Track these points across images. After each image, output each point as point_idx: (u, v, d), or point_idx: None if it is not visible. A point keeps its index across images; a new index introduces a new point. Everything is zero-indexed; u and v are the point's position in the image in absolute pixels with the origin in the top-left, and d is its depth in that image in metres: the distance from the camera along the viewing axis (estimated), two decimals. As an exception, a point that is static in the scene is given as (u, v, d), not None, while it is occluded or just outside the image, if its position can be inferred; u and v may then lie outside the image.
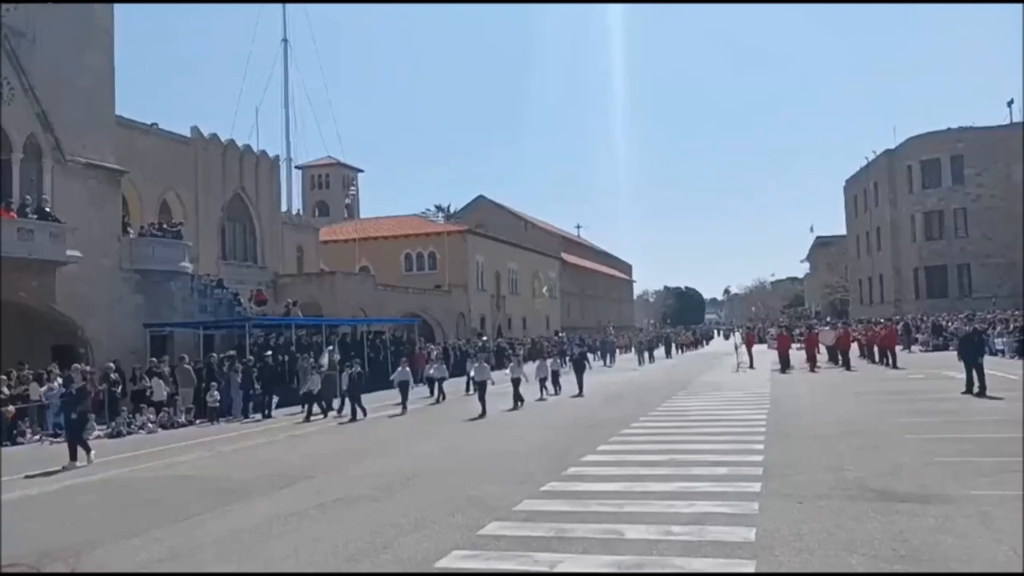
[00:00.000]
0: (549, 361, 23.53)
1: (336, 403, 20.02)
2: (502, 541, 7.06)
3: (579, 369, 23.60)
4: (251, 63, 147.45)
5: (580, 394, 21.81)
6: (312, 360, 23.04)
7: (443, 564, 6.46)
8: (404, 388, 20.23)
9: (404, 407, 19.73)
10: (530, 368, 23.19)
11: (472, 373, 21.06)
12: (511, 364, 21.84)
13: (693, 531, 7.03)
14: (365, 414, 18.46)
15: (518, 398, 19.38)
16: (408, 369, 21.61)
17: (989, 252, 49.68)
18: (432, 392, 23.11)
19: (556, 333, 54.58)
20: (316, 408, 19.58)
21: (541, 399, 21.01)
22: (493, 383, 19.42)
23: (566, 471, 10.41)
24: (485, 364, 20.50)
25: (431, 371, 23.57)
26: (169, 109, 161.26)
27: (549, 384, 22.31)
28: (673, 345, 52.30)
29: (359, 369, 19.68)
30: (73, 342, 21.28)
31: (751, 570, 5.89)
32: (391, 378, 21.68)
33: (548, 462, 11.14)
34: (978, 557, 5.93)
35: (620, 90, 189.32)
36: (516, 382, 19.72)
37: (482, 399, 18.55)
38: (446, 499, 8.99)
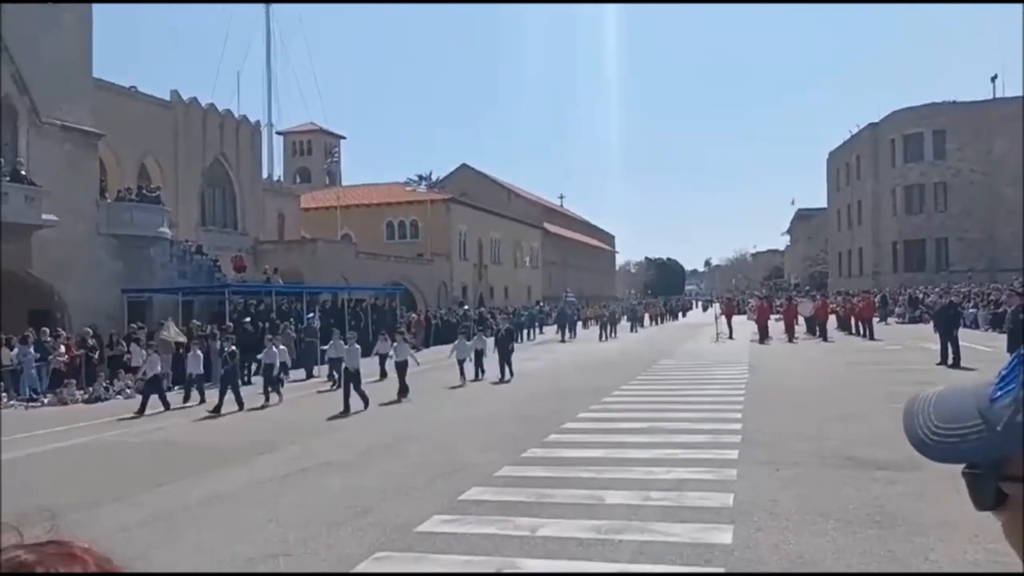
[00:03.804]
0: (473, 339, 19.66)
1: (317, 370, 19.91)
2: (483, 506, 7.11)
3: (504, 349, 19.19)
4: (232, 26, 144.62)
5: (504, 379, 18.35)
6: (293, 328, 22.96)
7: (424, 528, 6.50)
8: (383, 361, 19.32)
9: (384, 373, 19.08)
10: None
11: (391, 354, 17.95)
12: (474, 337, 19.73)
13: (672, 497, 7.12)
14: (240, 406, 14.98)
15: (479, 367, 18.66)
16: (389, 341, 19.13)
17: (967, 227, 50.18)
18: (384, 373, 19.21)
19: (538, 303, 54.66)
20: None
21: (460, 385, 17.71)
22: (419, 364, 17.25)
23: (547, 438, 10.48)
24: (405, 343, 17.40)
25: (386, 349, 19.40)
26: (148, 72, 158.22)
27: (470, 367, 18.70)
28: (646, 317, 48.53)
29: (233, 348, 16.03)
30: (50, 307, 21.03)
31: (729, 534, 5.98)
32: (375, 351, 19.89)
33: (530, 429, 11.21)
34: (952, 522, 6.05)
35: (606, 62, 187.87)
36: (479, 353, 18.87)
37: (401, 381, 15.90)
38: (426, 465, 9.03)
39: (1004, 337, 15.69)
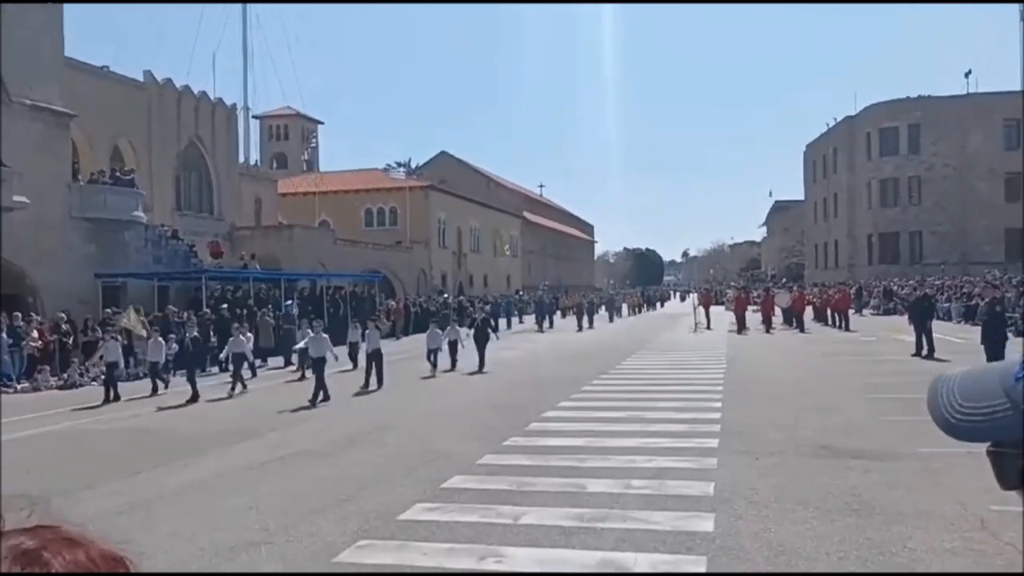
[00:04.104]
0: (447, 329, 19.17)
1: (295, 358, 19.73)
2: (465, 494, 7.11)
3: (480, 339, 18.77)
4: (208, 8, 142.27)
5: (481, 369, 17.88)
6: (270, 315, 22.76)
7: (407, 516, 6.48)
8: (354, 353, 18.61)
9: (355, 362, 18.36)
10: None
11: (356, 340, 17.43)
12: (448, 327, 19.23)
13: (653, 485, 7.15)
14: (195, 396, 14.38)
15: (453, 360, 18.18)
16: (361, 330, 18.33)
17: (940, 220, 50.90)
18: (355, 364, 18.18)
19: (517, 292, 54.68)
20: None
21: (431, 375, 17.25)
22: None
23: (528, 426, 10.49)
24: (376, 331, 16.48)
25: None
26: (121, 52, 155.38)
27: (443, 357, 18.20)
28: (624, 307, 48.81)
29: (196, 334, 15.57)
30: (21, 291, 20.65)
31: (710, 522, 6.02)
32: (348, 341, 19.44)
33: (510, 418, 11.21)
34: (928, 511, 6.14)
35: (591, 53, 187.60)
36: (453, 344, 18.40)
37: (377, 371, 15.43)
38: (407, 453, 9.00)
39: (977, 329, 15.91)
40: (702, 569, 5.17)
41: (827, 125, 61.18)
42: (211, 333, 20.72)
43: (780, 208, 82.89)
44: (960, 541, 5.42)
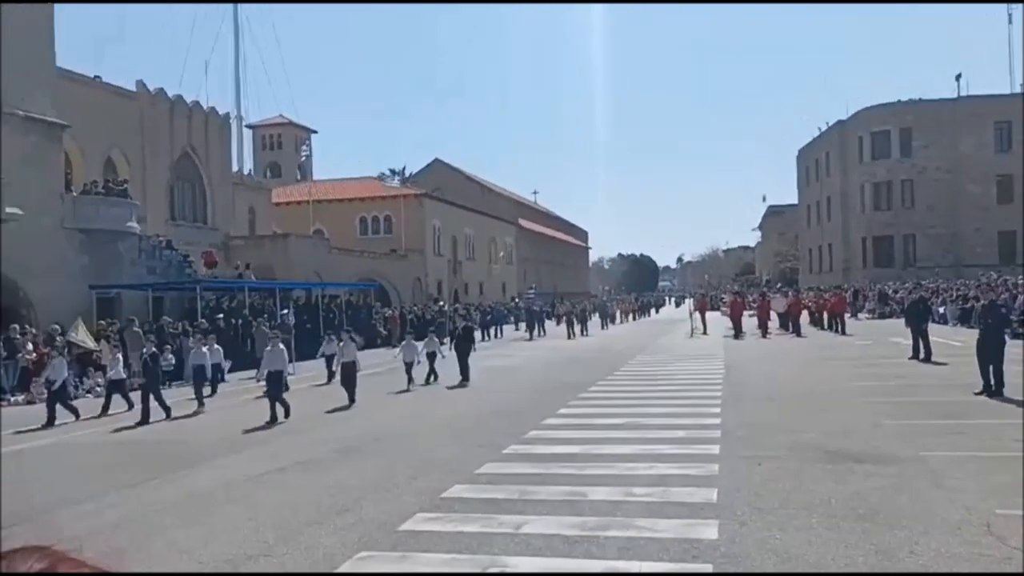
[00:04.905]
0: (425, 340, 18.26)
1: (292, 368, 19.66)
2: (466, 503, 7.04)
3: (462, 349, 17.76)
4: (200, 16, 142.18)
5: (464, 382, 16.94)
6: (266, 325, 22.64)
7: (408, 526, 6.40)
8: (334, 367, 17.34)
9: (331, 375, 17.78)
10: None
11: (333, 353, 16.65)
12: (425, 339, 18.34)
13: (655, 492, 7.09)
14: (168, 414, 13.53)
15: (432, 373, 17.36)
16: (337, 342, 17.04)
17: (933, 223, 51.07)
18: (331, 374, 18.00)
19: (513, 299, 54.62)
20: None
21: (405, 390, 16.22)
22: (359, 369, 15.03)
23: (527, 434, 10.43)
24: (352, 342, 15.52)
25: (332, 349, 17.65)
26: (113, 62, 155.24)
27: (419, 370, 17.21)
28: (618, 314, 47.94)
29: (155, 350, 14.45)
30: (15, 303, 20.51)
31: (715, 529, 5.97)
32: (320, 353, 18.69)
33: (508, 425, 11.15)
34: (933, 516, 6.09)
35: (585, 61, 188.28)
36: (432, 356, 17.51)
37: (348, 386, 14.50)
38: (407, 463, 8.93)
39: (975, 332, 15.85)
40: (708, 577, 5.11)
41: (819, 129, 61.51)
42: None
43: (774, 212, 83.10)
44: (966, 546, 5.38)
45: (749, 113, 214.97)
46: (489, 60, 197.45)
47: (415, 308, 37.63)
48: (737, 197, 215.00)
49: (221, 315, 22.54)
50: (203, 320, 21.03)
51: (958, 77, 53.70)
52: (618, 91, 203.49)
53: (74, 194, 23.02)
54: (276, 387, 12.84)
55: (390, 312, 34.40)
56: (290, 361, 20.30)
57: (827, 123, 59.52)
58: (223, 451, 10.31)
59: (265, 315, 23.94)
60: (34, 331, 18.89)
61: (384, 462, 9.09)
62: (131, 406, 14.34)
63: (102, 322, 20.20)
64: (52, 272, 21.06)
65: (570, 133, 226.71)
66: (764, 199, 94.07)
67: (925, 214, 51.32)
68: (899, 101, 53.08)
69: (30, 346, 18.10)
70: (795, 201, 71.48)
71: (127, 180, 26.58)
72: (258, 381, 14.45)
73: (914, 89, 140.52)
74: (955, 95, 51.85)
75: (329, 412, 13.63)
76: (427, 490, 7.57)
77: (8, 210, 19.51)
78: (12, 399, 16.84)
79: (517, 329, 40.17)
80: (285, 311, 24.52)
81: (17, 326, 18.45)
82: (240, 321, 23.05)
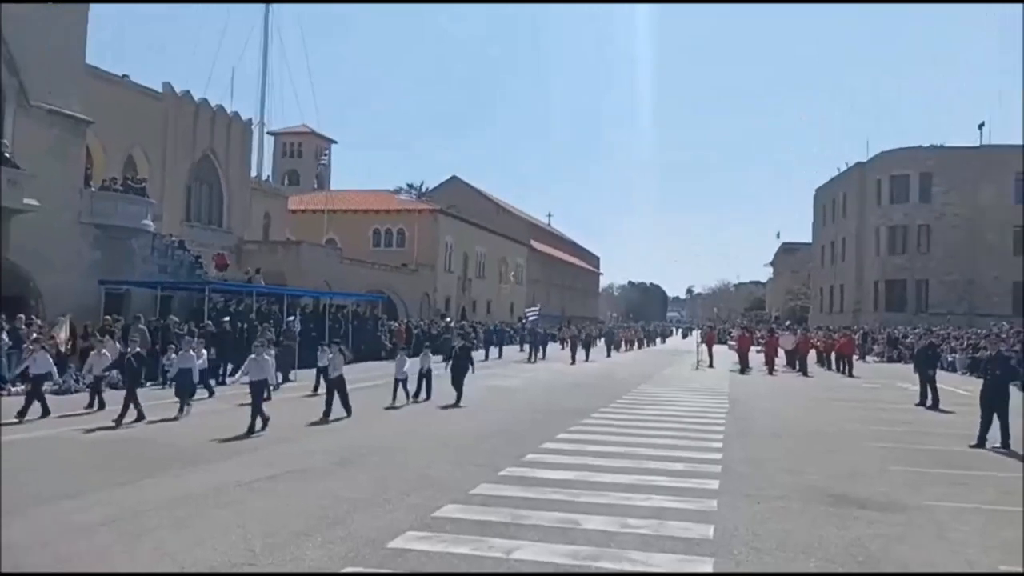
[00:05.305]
0: (420, 355, 17.82)
1: (294, 375, 19.60)
2: (457, 524, 6.92)
3: (458, 369, 17.09)
4: (231, 22, 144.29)
5: (458, 403, 16.37)
6: (272, 331, 22.61)
7: (397, 544, 6.29)
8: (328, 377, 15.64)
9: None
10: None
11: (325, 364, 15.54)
12: (420, 354, 17.91)
13: (651, 525, 6.96)
14: (140, 416, 12.97)
15: (427, 388, 16.94)
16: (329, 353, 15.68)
17: (948, 270, 50.70)
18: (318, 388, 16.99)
19: (520, 319, 54.50)
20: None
21: (391, 406, 15.80)
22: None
23: (524, 457, 10.30)
24: (340, 355, 14.86)
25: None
26: (142, 62, 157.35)
27: (408, 388, 16.62)
28: (623, 342, 47.38)
29: (139, 350, 14.11)
30: (25, 294, 20.58)
31: (709, 567, 5.83)
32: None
33: (506, 447, 11.02)
34: (935, 568, 5.94)
35: (600, 90, 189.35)
36: (427, 373, 17.11)
37: (341, 399, 14.08)
38: (401, 478, 8.83)
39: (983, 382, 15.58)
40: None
41: (838, 169, 61.38)
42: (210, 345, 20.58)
43: (788, 250, 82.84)
44: (968, 601, 5.22)
45: (767, 149, 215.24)
46: (518, 82, 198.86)
47: (422, 323, 37.56)
48: (751, 232, 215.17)
49: (227, 318, 22.49)
50: (209, 322, 21.02)
51: (981, 126, 53.72)
52: (637, 121, 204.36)
53: (93, 189, 23.15)
54: (258, 397, 12.42)
55: (396, 325, 34.34)
56: (292, 368, 20.50)
57: (846, 164, 59.47)
58: (222, 454, 10.22)
59: (271, 320, 23.92)
60: (40, 322, 18.91)
61: (378, 476, 8.98)
62: (102, 405, 14.10)
63: (107, 317, 20.21)
64: (64, 265, 21.14)
65: (588, 158, 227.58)
66: (778, 235, 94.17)
67: (941, 260, 50.96)
68: (920, 146, 52.95)
69: (35, 336, 18.10)
70: (809, 239, 71.20)
71: (146, 179, 26.75)
72: (229, 384, 13.25)
73: (934, 135, 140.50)
74: (977, 143, 51.71)
75: (325, 422, 13.45)
76: (419, 507, 7.47)
77: (26, 201, 19.63)
78: (14, 389, 16.80)
79: (522, 350, 39.93)
80: (291, 318, 24.51)
81: (23, 316, 18.49)
82: (245, 325, 23.01)
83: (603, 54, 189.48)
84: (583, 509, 7.50)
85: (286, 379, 20.04)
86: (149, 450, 10.58)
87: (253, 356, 13.07)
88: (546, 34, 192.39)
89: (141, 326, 19.63)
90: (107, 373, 15.09)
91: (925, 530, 7.04)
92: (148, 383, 17.40)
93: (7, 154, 19.55)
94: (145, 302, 23.16)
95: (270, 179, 51.24)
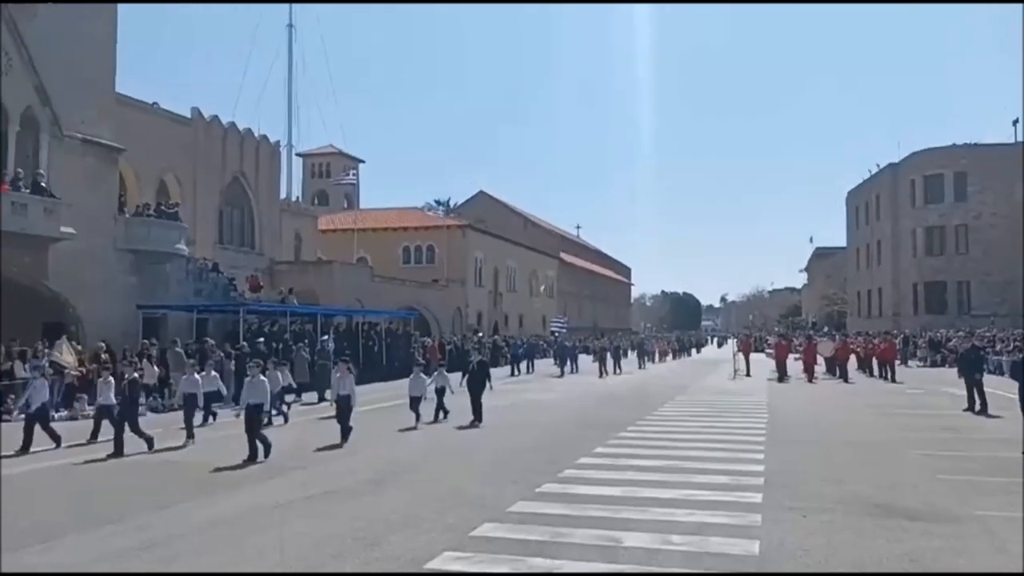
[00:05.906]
0: (434, 375, 17.39)
1: (330, 394, 19.62)
2: (495, 543, 6.79)
3: (475, 386, 16.31)
4: (255, 47, 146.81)
5: (476, 422, 15.57)
6: (307, 350, 22.73)
7: (433, 565, 6.19)
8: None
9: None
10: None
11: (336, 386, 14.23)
12: (435, 373, 17.66)
13: (694, 541, 6.76)
14: (150, 445, 12.49)
15: (440, 408, 16.18)
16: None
17: (989, 270, 49.51)
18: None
19: (552, 332, 54.27)
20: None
21: (412, 427, 15.07)
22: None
23: (562, 473, 10.14)
24: (349, 373, 13.78)
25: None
26: (170, 89, 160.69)
27: (427, 406, 15.93)
28: (657, 353, 45.13)
29: (135, 374, 13.64)
30: (64, 320, 20.94)
31: (757, 586, 5.64)
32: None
33: (542, 463, 10.87)
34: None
35: (626, 95, 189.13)
36: (441, 391, 16.44)
37: (342, 420, 13.25)
38: (436, 497, 8.72)
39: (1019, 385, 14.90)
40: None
41: (869, 172, 60.44)
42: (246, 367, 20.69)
43: (821, 255, 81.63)
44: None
45: (798, 152, 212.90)
46: (538, 93, 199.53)
47: (454, 338, 37.55)
48: (784, 237, 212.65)
49: (262, 339, 22.69)
50: (244, 343, 21.20)
51: (1015, 122, 52.31)
52: (664, 127, 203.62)
53: (127, 216, 23.56)
54: (255, 422, 11.60)
55: (429, 341, 34.36)
56: (328, 387, 20.52)
57: (878, 165, 58.52)
58: (259, 475, 10.20)
59: (305, 340, 24.06)
60: (80, 348, 19.21)
61: (414, 495, 8.88)
62: (94, 437, 13.30)
63: (145, 341, 20.48)
64: (102, 291, 21.49)
65: (615, 168, 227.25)
66: (811, 240, 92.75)
67: (981, 260, 49.82)
68: (953, 145, 51.94)
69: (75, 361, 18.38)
70: (843, 243, 70.10)
71: (178, 203, 27.19)
72: (237, 416, 12.68)
73: (967, 133, 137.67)
74: (1012, 140, 50.58)
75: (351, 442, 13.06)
76: (456, 527, 7.35)
77: (64, 229, 20.02)
78: (56, 415, 17.04)
79: (555, 363, 39.65)
80: (325, 337, 24.62)
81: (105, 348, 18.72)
82: (280, 346, 23.17)
83: (630, 60, 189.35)
84: (624, 526, 7.32)
85: (321, 399, 20.11)
86: (193, 471, 10.60)
87: (249, 378, 12.31)
88: (570, 40, 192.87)
89: (178, 349, 19.84)
90: (113, 401, 13.84)
91: (981, 541, 6.76)
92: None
93: (43, 183, 19.97)
94: (182, 325, 23.45)
95: (299, 199, 51.86)
